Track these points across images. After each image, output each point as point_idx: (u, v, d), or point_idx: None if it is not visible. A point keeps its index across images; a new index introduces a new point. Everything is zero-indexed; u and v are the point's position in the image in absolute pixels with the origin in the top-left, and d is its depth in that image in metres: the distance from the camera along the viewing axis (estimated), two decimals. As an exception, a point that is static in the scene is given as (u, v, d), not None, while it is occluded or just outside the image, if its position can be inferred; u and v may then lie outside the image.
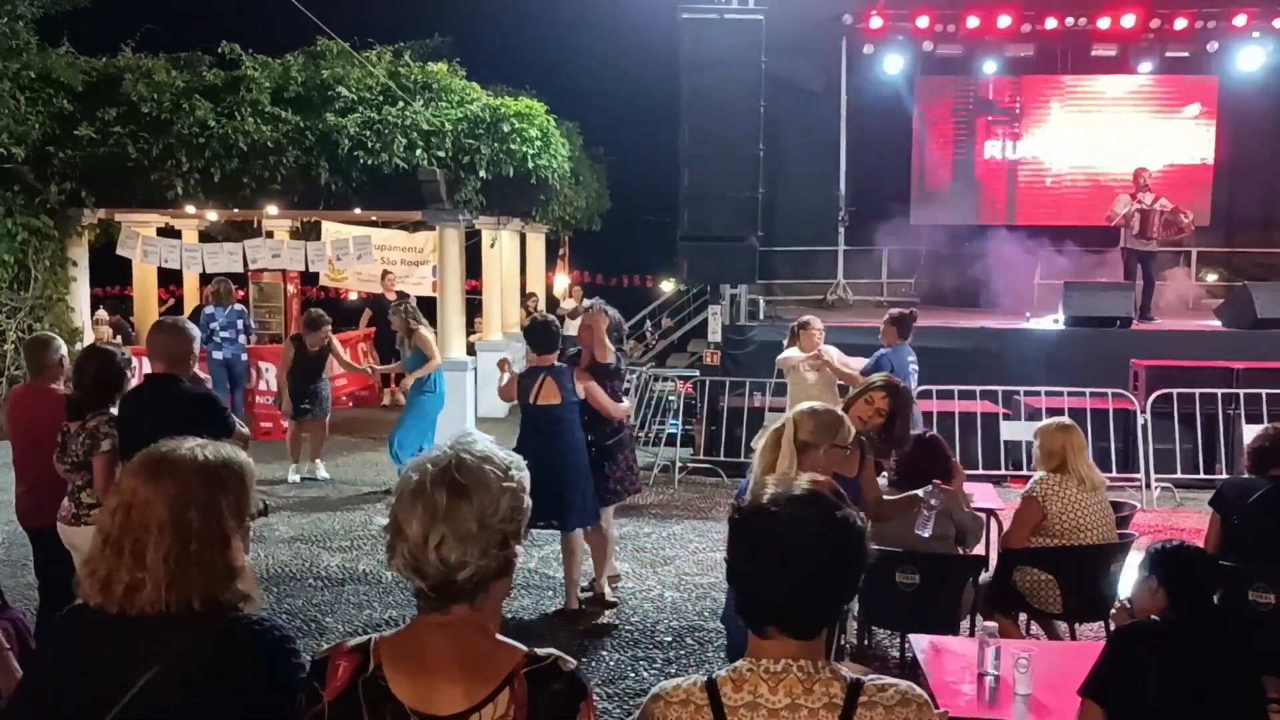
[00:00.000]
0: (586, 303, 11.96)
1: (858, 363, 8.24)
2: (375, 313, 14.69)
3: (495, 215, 13.38)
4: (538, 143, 11.78)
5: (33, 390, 5.39)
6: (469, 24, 19.51)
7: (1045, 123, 16.65)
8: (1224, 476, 8.96)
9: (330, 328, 10.06)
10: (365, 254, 13.46)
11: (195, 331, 5.00)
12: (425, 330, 9.29)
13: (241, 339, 12.31)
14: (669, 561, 7.65)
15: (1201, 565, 3.50)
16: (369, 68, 11.96)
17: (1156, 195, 12.44)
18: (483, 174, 11.63)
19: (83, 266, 13.01)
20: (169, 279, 16.90)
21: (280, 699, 1.91)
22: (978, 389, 10.24)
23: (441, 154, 11.59)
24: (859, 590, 1.93)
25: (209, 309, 12.33)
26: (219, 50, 12.15)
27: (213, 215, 14.21)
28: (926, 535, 4.54)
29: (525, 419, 6.36)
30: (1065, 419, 5.45)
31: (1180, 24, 14.86)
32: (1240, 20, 14.74)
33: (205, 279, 13.77)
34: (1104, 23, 14.93)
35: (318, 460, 10.24)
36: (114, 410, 4.80)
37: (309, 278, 15.99)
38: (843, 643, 5.17)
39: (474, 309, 15.01)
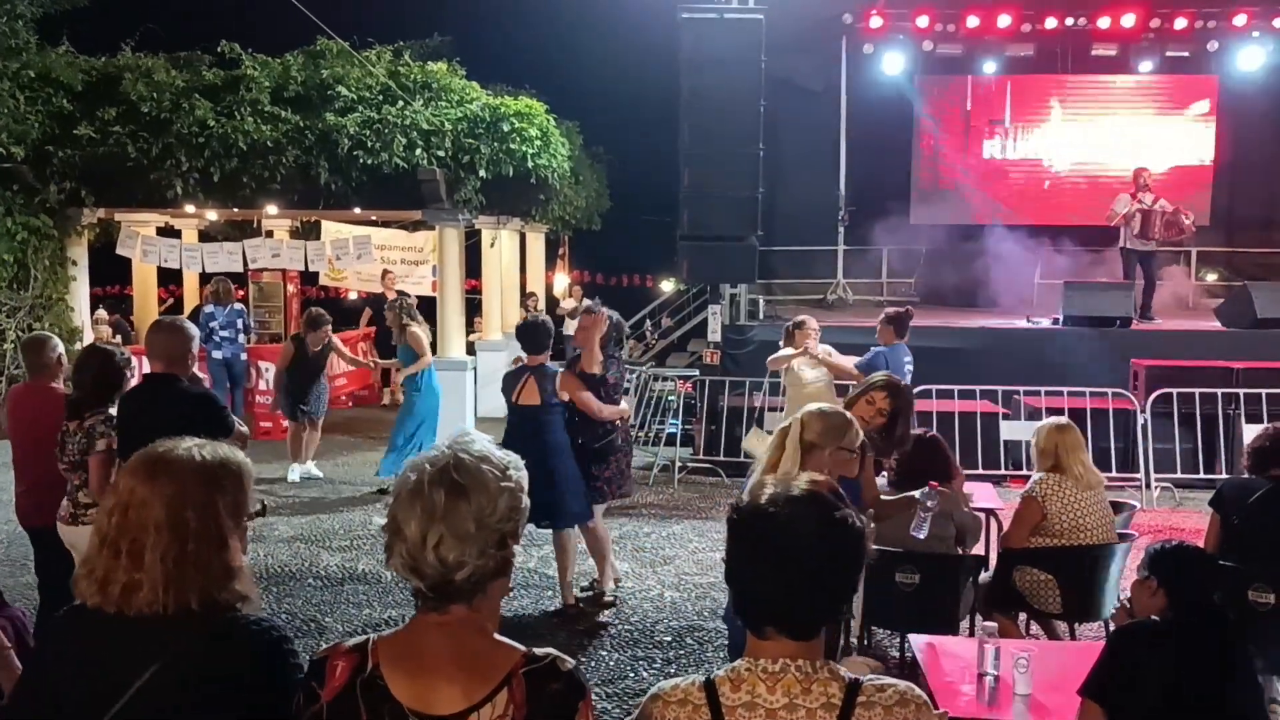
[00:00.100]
0: (585, 303, 11.97)
1: (853, 362, 8.19)
2: (375, 312, 14.70)
3: (495, 215, 13.38)
4: (537, 142, 11.78)
5: (33, 389, 5.38)
6: (469, 23, 19.53)
7: (1045, 122, 16.65)
8: (1224, 476, 8.96)
9: (330, 327, 10.07)
10: (365, 253, 13.47)
11: (194, 331, 5.00)
12: (417, 328, 9.30)
13: (241, 338, 12.32)
14: (668, 561, 7.64)
15: (1201, 565, 3.49)
16: (369, 67, 11.96)
17: (1156, 195, 12.44)
18: (482, 173, 11.63)
19: (82, 266, 13.01)
20: (168, 278, 16.91)
21: (278, 699, 1.91)
22: (978, 389, 10.23)
23: (441, 153, 11.59)
24: (858, 590, 1.93)
25: (208, 308, 12.33)
26: (218, 50, 12.16)
27: (212, 215, 14.22)
28: (922, 537, 4.54)
29: (509, 418, 6.46)
30: (1062, 419, 5.44)
31: (1180, 24, 14.85)
32: (1240, 20, 14.73)
33: (205, 278, 13.78)
34: (1104, 22, 14.92)
35: (310, 461, 10.24)
36: (113, 410, 4.80)
37: (309, 277, 15.99)
38: (851, 640, 5.18)
39: (474, 308, 15.01)
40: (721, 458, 10.58)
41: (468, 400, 12.12)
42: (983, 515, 5.95)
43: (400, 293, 13.78)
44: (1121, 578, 5.17)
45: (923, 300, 14.68)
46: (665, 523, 8.77)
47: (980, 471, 9.44)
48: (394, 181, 11.72)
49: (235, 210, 13.54)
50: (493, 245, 15.06)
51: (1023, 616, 5.38)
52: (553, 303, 18.71)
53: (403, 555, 1.81)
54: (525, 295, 16.88)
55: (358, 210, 13.28)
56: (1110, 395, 9.99)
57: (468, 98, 11.94)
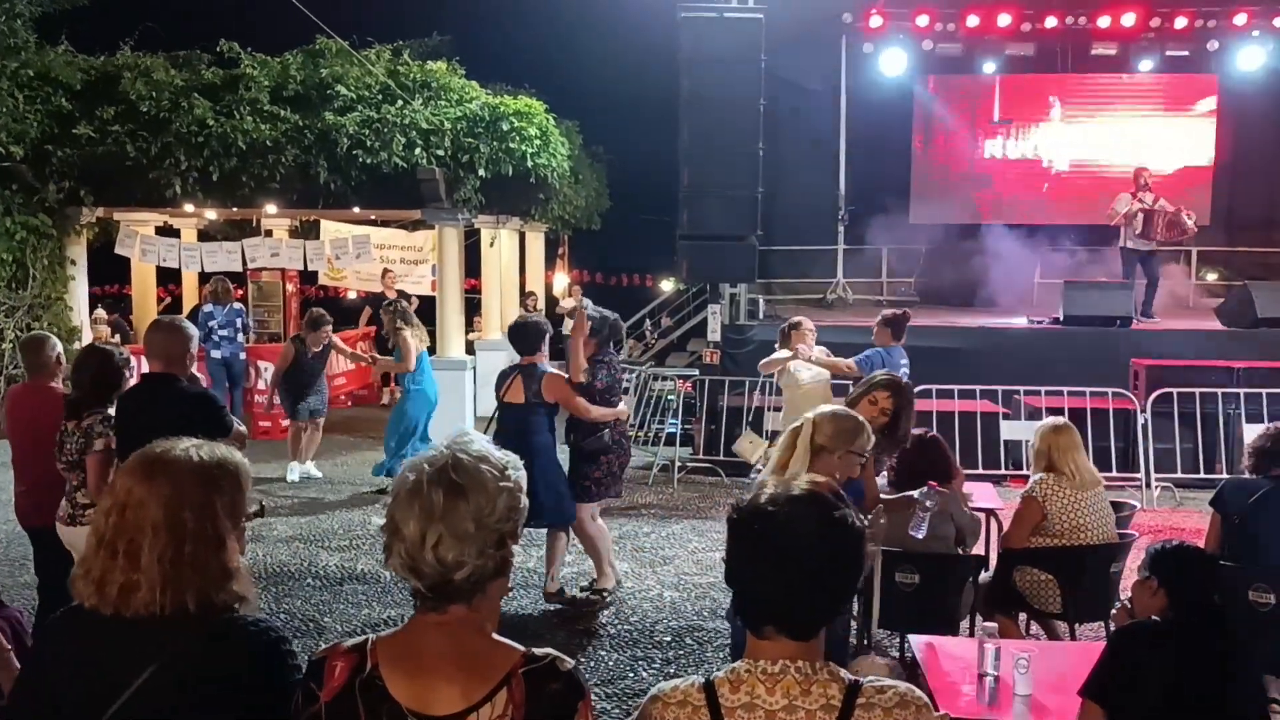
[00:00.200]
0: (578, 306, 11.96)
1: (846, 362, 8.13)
2: (375, 311, 14.68)
3: (494, 214, 13.38)
4: (537, 141, 11.78)
5: (32, 389, 5.38)
6: (468, 23, 19.52)
7: (1045, 121, 16.64)
8: (1224, 476, 8.93)
9: (330, 327, 10.07)
10: (364, 253, 13.47)
11: (193, 330, 4.99)
12: (408, 333, 9.35)
13: (240, 338, 12.31)
14: (668, 561, 7.63)
15: (1202, 565, 3.49)
16: (368, 66, 11.95)
17: (1156, 195, 12.43)
18: (482, 173, 11.62)
19: (81, 265, 13.01)
20: (167, 278, 16.90)
21: (276, 700, 1.90)
22: (978, 389, 10.22)
23: (440, 153, 11.58)
24: (858, 590, 1.92)
25: (207, 308, 12.32)
26: (218, 49, 12.16)
27: (211, 214, 14.21)
28: (920, 536, 4.54)
29: (498, 415, 6.54)
30: (1060, 419, 5.44)
31: (1180, 23, 14.84)
32: (1240, 19, 14.73)
33: (204, 278, 13.77)
34: (1104, 21, 14.91)
35: (309, 461, 10.24)
36: (111, 410, 4.79)
37: (308, 277, 15.99)
38: (864, 641, 5.16)
39: (473, 308, 15.01)
40: (721, 457, 10.57)
41: (467, 400, 12.11)
42: (983, 515, 5.94)
43: (401, 292, 13.80)
44: (1122, 578, 5.17)
45: (922, 300, 14.68)
46: (665, 523, 8.76)
47: (980, 471, 9.43)
48: (393, 181, 11.71)
49: (234, 209, 13.53)
50: (492, 245, 15.06)
51: (1023, 617, 5.37)
52: (552, 302, 18.70)
53: (401, 555, 1.80)
54: (525, 295, 16.87)
55: (357, 210, 13.28)
56: (1110, 395, 9.98)
57: (467, 97, 11.94)
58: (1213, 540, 5.09)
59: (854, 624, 5.23)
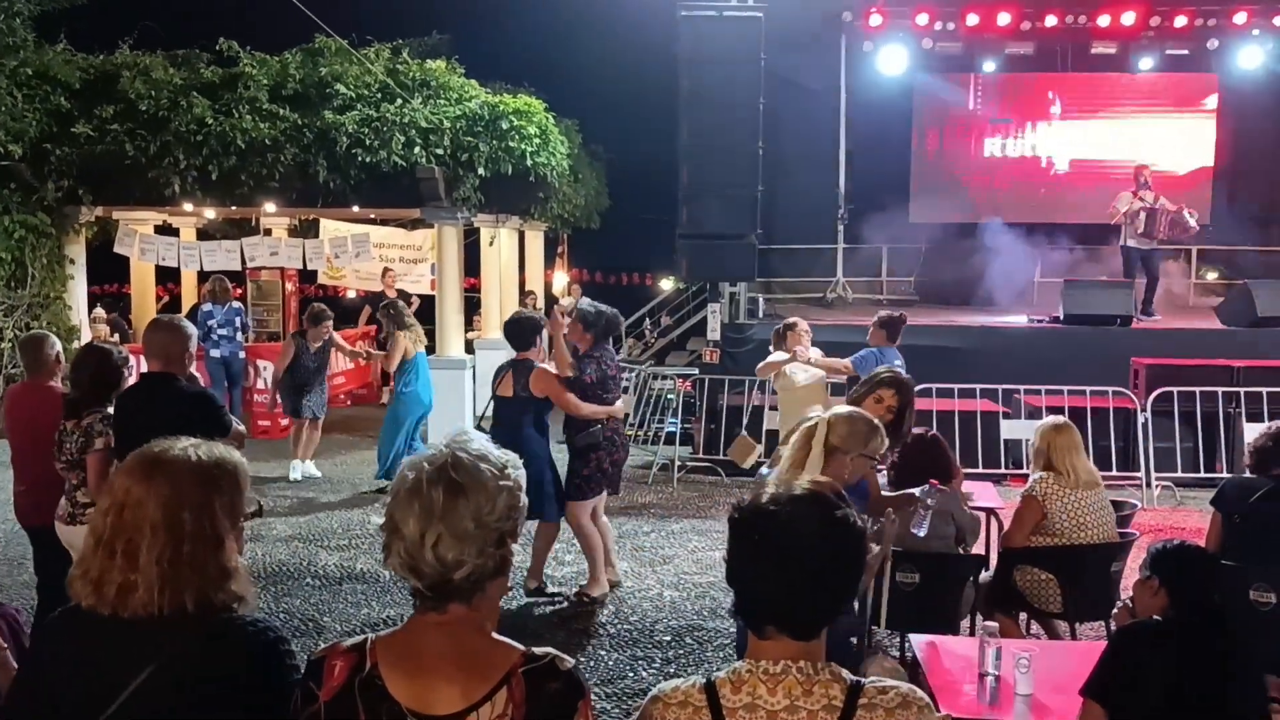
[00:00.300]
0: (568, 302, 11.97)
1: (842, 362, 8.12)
2: (375, 310, 14.67)
3: (494, 213, 13.36)
4: (536, 140, 11.77)
5: (31, 388, 5.38)
6: (467, 21, 19.47)
7: (1044, 120, 16.64)
8: (1225, 475, 8.94)
9: (331, 323, 10.08)
10: (364, 252, 13.46)
11: (192, 330, 4.98)
12: (402, 335, 9.37)
13: (239, 337, 12.31)
14: (668, 561, 7.63)
15: (1203, 565, 3.48)
16: (367, 65, 11.93)
17: (1157, 194, 12.43)
18: (481, 171, 11.61)
19: (80, 264, 13.00)
20: (166, 277, 16.87)
21: (275, 700, 1.90)
22: (978, 388, 10.21)
23: (440, 151, 11.57)
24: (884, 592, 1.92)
25: (206, 307, 12.31)
26: (217, 47, 12.14)
27: (210, 213, 14.20)
28: (922, 535, 4.53)
29: (492, 408, 6.61)
30: (1060, 418, 5.43)
31: (1180, 21, 14.82)
32: (1240, 18, 14.71)
33: (203, 277, 13.76)
34: (1104, 20, 14.89)
35: (309, 460, 10.23)
36: (110, 409, 4.78)
37: (307, 275, 15.98)
38: (871, 642, 5.14)
39: (473, 307, 14.99)
40: (721, 457, 10.56)
41: (466, 399, 12.09)
42: (983, 515, 5.94)
43: (401, 291, 13.79)
44: (1123, 577, 5.16)
45: (922, 298, 14.68)
46: (665, 522, 8.75)
47: (980, 471, 9.42)
48: (393, 179, 11.70)
49: (233, 208, 13.52)
50: (491, 243, 15.04)
51: (1023, 616, 5.37)
52: (552, 301, 18.68)
53: (401, 554, 1.80)
54: (524, 294, 16.86)
55: (356, 208, 13.27)
56: (1111, 394, 9.97)
57: (466, 96, 11.92)
58: (1213, 540, 5.08)
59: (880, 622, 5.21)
